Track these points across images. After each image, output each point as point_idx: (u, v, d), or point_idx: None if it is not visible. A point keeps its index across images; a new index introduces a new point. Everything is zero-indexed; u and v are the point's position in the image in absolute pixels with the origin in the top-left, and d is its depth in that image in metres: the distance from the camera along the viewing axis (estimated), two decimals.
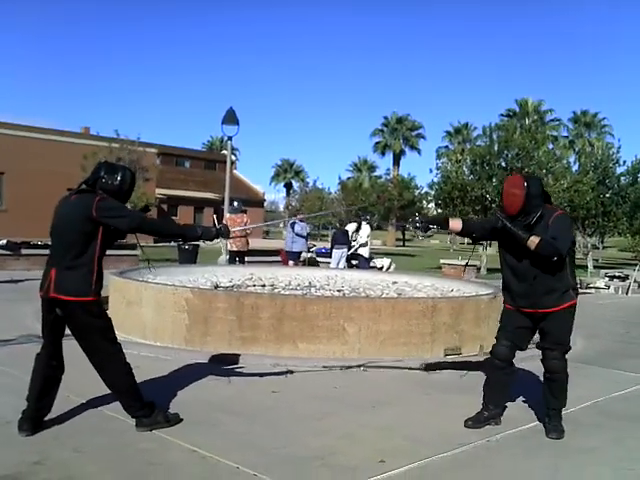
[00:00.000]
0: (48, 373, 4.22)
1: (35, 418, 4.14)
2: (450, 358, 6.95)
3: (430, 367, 6.38)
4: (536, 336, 4.76)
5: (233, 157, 49.29)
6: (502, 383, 4.74)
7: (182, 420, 4.43)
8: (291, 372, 5.95)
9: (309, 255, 16.74)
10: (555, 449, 4.30)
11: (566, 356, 4.61)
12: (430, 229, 4.84)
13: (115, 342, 4.29)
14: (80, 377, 5.29)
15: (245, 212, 14.67)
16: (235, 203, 14.38)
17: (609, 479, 3.82)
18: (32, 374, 4.23)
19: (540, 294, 4.47)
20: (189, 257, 16.55)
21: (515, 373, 4.84)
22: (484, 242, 26.88)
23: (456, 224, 4.81)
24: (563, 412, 4.76)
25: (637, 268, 17.81)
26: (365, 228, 16.97)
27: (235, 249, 13.64)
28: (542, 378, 4.72)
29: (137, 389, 4.31)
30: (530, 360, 5.81)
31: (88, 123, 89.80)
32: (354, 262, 16.96)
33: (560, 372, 4.57)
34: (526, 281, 4.51)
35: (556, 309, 4.48)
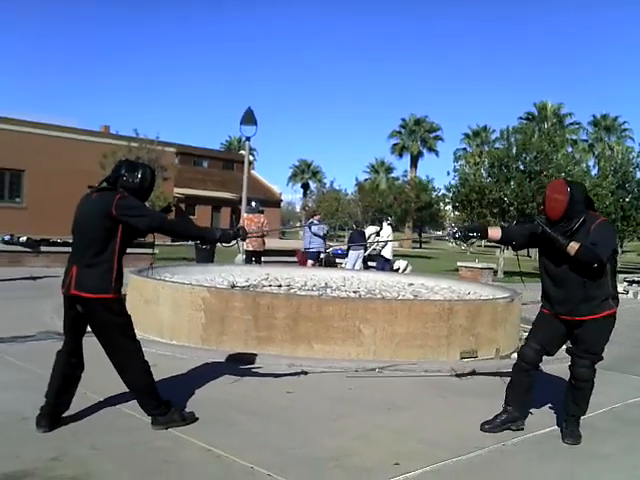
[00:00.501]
0: (67, 370, 4.26)
1: (53, 414, 4.19)
2: (467, 361, 6.93)
3: (462, 374, 6.21)
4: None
5: (251, 157, 49.49)
6: (524, 386, 4.68)
7: (198, 419, 4.46)
8: (305, 373, 5.95)
9: (325, 255, 16.74)
10: (571, 455, 4.28)
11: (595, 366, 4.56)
12: (470, 238, 4.78)
13: (135, 340, 4.33)
14: (97, 374, 5.34)
15: (262, 212, 14.75)
16: (253, 203, 14.44)
17: None
18: (52, 371, 4.28)
19: (578, 301, 4.42)
20: (206, 256, 16.62)
21: (537, 376, 4.77)
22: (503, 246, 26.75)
23: (495, 232, 4.79)
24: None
25: None
26: (386, 229, 16.95)
27: (251, 249, 13.70)
28: (566, 382, 4.67)
29: (155, 387, 4.35)
30: (552, 363, 5.77)
31: (108, 122, 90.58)
32: (370, 264, 16.93)
33: (587, 381, 4.52)
34: (564, 287, 4.47)
35: (593, 317, 4.41)
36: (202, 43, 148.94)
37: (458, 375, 6.17)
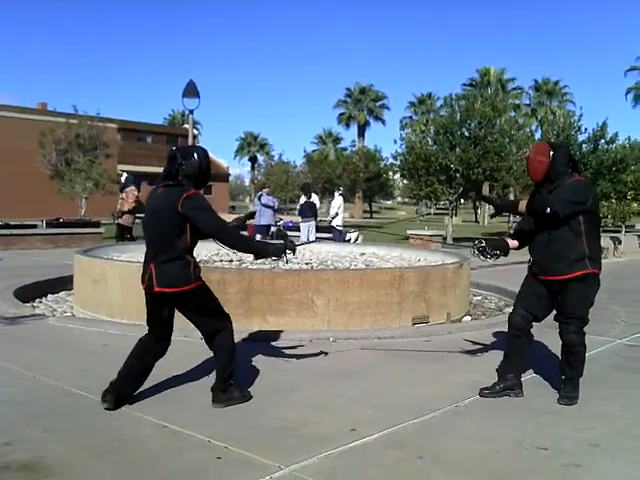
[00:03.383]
0: (144, 357, 4.36)
1: (120, 394, 4.24)
2: (419, 327, 7.05)
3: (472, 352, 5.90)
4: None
5: (195, 131, 48.69)
6: (518, 352, 4.72)
7: (252, 397, 4.52)
8: (326, 353, 5.76)
9: (276, 228, 16.68)
10: (522, 412, 4.40)
11: (584, 329, 4.59)
12: (495, 255, 4.80)
13: (226, 316, 4.47)
14: (48, 358, 5.26)
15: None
16: (125, 175, 14.37)
17: (572, 439, 3.93)
18: (130, 353, 4.36)
19: (550, 260, 4.48)
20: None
21: (532, 342, 4.81)
22: (451, 212, 27.13)
23: (513, 243, 4.85)
24: (528, 376, 4.92)
25: None
26: (337, 199, 16.96)
27: (123, 224, 13.70)
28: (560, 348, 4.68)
29: (233, 364, 4.47)
30: (499, 326, 5.88)
31: (45, 99, 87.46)
32: (318, 235, 16.94)
33: (577, 345, 4.56)
34: (539, 247, 4.56)
35: (566, 277, 4.44)
36: (141, 15, 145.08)
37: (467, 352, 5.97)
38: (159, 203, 4.23)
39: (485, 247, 4.80)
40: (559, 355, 4.76)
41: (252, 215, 5.26)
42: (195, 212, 4.13)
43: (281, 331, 6.47)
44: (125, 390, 4.30)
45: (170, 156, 4.31)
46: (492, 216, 5.74)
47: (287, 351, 5.72)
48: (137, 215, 13.10)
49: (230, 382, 4.43)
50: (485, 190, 40.10)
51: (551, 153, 4.47)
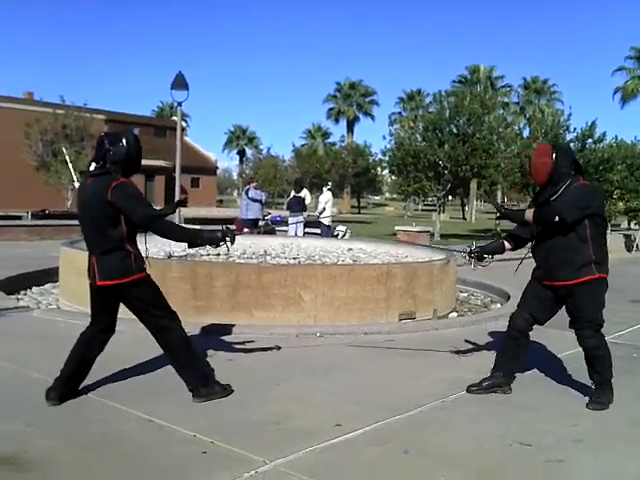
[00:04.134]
0: (89, 349, 4.27)
1: (64, 389, 4.16)
2: (405, 323, 7.05)
3: (461, 352, 5.89)
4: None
5: (184, 123, 48.44)
6: (513, 352, 4.70)
7: (234, 391, 4.44)
8: (278, 348, 5.72)
9: (264, 222, 16.62)
10: (506, 408, 4.42)
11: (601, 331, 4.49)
12: (485, 259, 4.80)
13: (171, 314, 4.34)
14: (32, 350, 5.21)
15: None
16: (95, 163, 14.29)
17: (556, 435, 3.95)
18: (73, 348, 4.26)
19: (555, 266, 4.42)
20: None
21: (528, 344, 4.77)
22: (439, 209, 27.17)
23: (509, 244, 4.85)
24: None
25: None
26: (326, 194, 16.94)
27: None
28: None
29: (196, 360, 4.38)
30: (498, 320, 5.84)
31: (31, 88, 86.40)
32: (307, 230, 16.94)
33: (597, 349, 4.46)
34: (545, 252, 4.50)
35: (572, 282, 4.37)
36: (132, 5, 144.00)
37: (458, 352, 5.89)
38: (88, 194, 4.11)
39: (479, 251, 4.84)
40: (547, 353, 4.75)
41: (184, 202, 5.17)
42: (125, 201, 4.00)
43: (267, 325, 6.46)
44: (69, 386, 4.22)
45: (98, 142, 4.19)
46: (497, 218, 5.83)
47: (239, 345, 5.64)
48: None
49: (205, 379, 4.37)
50: (473, 187, 40.18)
51: (554, 155, 4.40)
